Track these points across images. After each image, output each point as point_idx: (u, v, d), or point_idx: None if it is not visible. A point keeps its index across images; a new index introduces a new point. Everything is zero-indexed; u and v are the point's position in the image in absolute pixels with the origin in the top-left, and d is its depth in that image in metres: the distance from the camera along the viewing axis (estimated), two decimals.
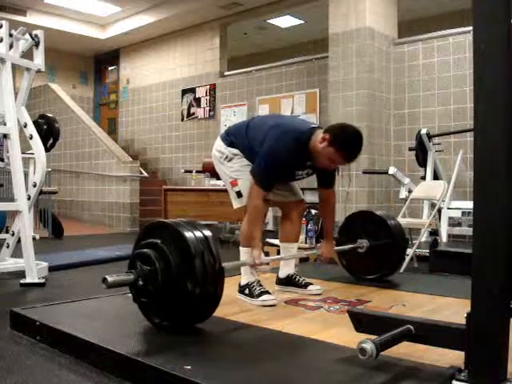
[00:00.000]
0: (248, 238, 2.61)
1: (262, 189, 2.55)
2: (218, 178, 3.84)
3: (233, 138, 2.74)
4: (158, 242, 1.98)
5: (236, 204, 2.72)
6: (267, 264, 2.84)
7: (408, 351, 1.71)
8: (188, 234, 1.96)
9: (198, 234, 1.99)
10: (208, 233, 2.03)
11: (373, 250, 3.05)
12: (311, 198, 4.33)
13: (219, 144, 2.79)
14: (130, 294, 2.10)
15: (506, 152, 1.38)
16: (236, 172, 2.68)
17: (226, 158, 2.72)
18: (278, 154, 2.49)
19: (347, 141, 2.44)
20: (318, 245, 3.16)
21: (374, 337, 1.54)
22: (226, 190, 2.84)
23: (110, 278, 1.88)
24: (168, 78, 9.64)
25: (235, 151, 2.71)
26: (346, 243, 3.10)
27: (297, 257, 2.91)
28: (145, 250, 1.99)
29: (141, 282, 1.94)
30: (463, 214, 5.12)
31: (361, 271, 3.16)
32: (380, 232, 3.07)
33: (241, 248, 2.72)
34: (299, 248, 3.95)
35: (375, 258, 3.05)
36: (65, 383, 1.74)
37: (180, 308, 1.96)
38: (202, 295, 1.93)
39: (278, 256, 3.11)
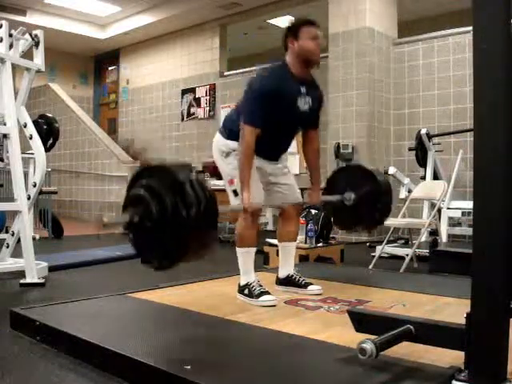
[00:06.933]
0: (241, 178, 2.55)
1: (251, 124, 2.52)
2: (219, 178, 3.82)
3: (228, 131, 2.71)
4: (144, 181, 1.95)
5: (233, 202, 2.69)
6: (260, 211, 2.74)
7: (408, 351, 1.71)
8: (172, 166, 1.95)
9: (181, 166, 1.99)
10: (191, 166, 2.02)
11: (360, 201, 2.95)
12: None
13: (218, 139, 2.78)
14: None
15: (506, 152, 1.38)
16: (234, 170, 2.63)
17: (223, 153, 2.70)
18: (262, 83, 2.58)
19: (297, 20, 2.73)
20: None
21: (374, 337, 1.54)
22: (225, 190, 2.81)
23: (105, 219, 1.97)
24: (168, 77, 9.63)
25: (232, 145, 2.66)
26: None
27: (282, 206, 2.84)
28: (133, 191, 1.97)
29: (136, 219, 1.90)
30: (463, 214, 5.11)
31: (351, 223, 3.10)
32: (366, 185, 2.98)
33: (237, 249, 2.70)
34: (299, 248, 3.99)
35: (363, 208, 2.96)
36: (65, 383, 1.74)
37: (179, 239, 1.88)
38: (198, 219, 1.85)
39: (269, 203, 2.91)
